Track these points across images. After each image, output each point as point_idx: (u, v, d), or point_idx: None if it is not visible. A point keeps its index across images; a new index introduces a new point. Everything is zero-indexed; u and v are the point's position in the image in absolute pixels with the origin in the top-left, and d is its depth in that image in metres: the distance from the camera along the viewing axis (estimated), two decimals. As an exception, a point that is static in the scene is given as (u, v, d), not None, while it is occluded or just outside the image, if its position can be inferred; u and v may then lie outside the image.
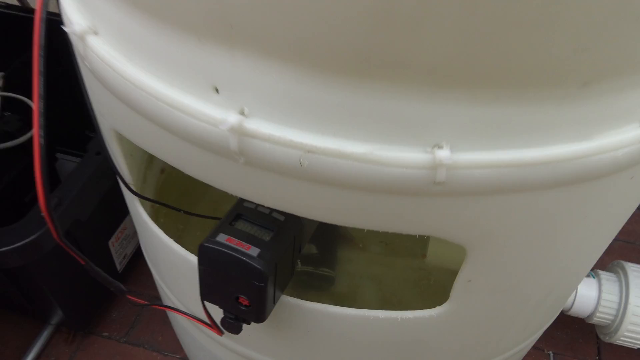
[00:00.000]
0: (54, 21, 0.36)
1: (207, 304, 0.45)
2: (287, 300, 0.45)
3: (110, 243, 0.83)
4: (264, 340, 0.52)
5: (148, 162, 0.74)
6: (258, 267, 0.38)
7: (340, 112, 0.30)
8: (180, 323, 0.67)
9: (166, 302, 0.65)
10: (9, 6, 0.90)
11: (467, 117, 0.29)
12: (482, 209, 0.33)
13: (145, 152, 0.73)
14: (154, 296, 0.93)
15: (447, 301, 0.43)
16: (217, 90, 0.32)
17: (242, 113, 0.31)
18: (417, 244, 0.86)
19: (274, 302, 0.42)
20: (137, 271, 0.96)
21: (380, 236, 0.87)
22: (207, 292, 0.42)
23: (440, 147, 0.30)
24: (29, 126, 0.85)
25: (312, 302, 0.45)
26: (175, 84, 0.33)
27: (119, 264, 0.88)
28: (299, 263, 0.79)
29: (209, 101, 0.32)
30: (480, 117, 0.29)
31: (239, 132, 0.31)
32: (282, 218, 0.42)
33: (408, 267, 0.87)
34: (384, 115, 0.29)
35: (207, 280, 0.41)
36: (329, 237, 0.86)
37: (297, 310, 0.46)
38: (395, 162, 0.30)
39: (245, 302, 0.40)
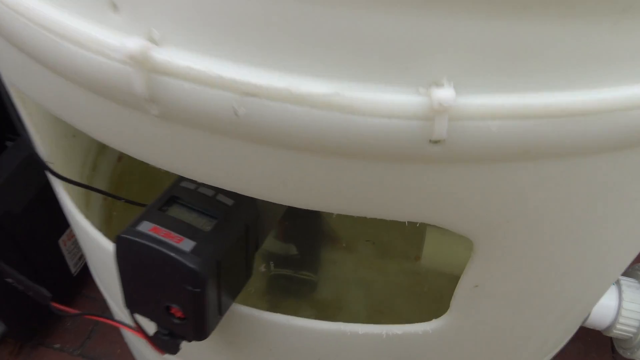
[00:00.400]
0: None
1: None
2: (240, 311, 0.35)
3: (61, 242, 0.73)
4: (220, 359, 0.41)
5: (100, 147, 0.64)
6: (191, 266, 0.28)
7: (292, 33, 0.20)
8: (127, 335, 0.57)
9: (113, 310, 0.55)
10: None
11: (480, 39, 0.19)
12: (498, 182, 0.23)
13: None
14: (116, 303, 0.83)
15: (447, 312, 0.34)
16: (115, 7, 0.22)
17: (149, 38, 0.21)
18: (410, 244, 0.76)
19: (220, 313, 0.32)
20: (98, 274, 0.85)
21: (367, 234, 0.77)
22: (132, 300, 0.32)
23: (439, 85, 0.20)
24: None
25: (272, 314, 0.35)
26: (65, 5, 0.23)
27: (74, 266, 0.77)
28: (272, 265, 0.69)
29: (105, 24, 0.22)
30: (500, 39, 0.19)
31: (145, 64, 0.21)
32: (230, 202, 0.32)
33: (400, 271, 0.77)
34: (356, 37, 0.20)
35: (130, 284, 0.31)
36: (311, 235, 0.77)
37: (254, 324, 0.36)
38: (373, 108, 0.20)
39: (179, 314, 0.30)
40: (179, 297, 0.29)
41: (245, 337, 0.37)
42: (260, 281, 0.71)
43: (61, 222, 0.72)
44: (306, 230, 0.77)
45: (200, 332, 0.31)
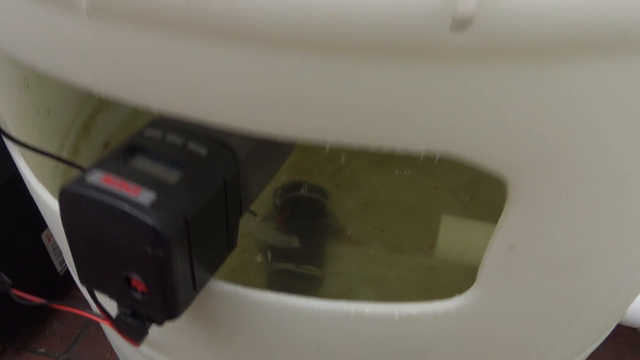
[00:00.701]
0: None
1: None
2: (222, 289, 0.29)
3: (44, 237, 0.67)
4: (196, 352, 0.35)
5: (82, 129, 0.59)
6: (149, 222, 0.22)
7: None
8: (112, 337, 0.51)
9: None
10: None
11: None
12: (548, 88, 0.17)
13: (74, 114, 0.58)
14: (107, 304, 0.77)
15: (472, 286, 0.27)
16: None
17: None
18: (422, 233, 0.70)
19: (195, 288, 0.26)
20: (88, 274, 0.80)
21: (376, 221, 0.71)
22: (87, 273, 0.26)
23: None
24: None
25: (261, 292, 0.29)
26: None
27: (60, 264, 0.72)
28: (269, 255, 0.63)
29: None
30: None
31: None
32: (203, 152, 0.26)
33: (412, 266, 0.71)
34: None
35: (81, 252, 0.25)
36: (314, 226, 0.70)
37: (240, 305, 0.30)
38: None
39: (141, 287, 0.25)
40: (139, 264, 0.23)
41: (229, 321, 0.31)
42: (259, 276, 0.65)
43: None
44: (309, 220, 0.71)
45: (168, 310, 0.25)
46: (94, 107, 0.59)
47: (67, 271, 0.74)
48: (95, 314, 0.37)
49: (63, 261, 0.72)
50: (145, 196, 0.23)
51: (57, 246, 0.70)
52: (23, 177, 0.38)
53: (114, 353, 0.71)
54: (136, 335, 0.28)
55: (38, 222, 0.66)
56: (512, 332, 0.30)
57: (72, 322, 0.75)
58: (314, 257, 0.68)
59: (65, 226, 0.24)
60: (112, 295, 0.26)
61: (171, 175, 0.25)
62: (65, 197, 0.23)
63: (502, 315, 0.29)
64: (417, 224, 0.71)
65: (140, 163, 0.25)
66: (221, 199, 0.26)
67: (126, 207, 0.22)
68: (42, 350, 0.72)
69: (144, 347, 0.40)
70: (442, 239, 0.62)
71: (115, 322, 0.28)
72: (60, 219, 0.24)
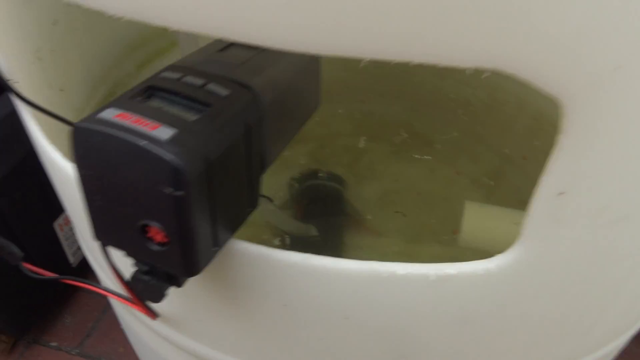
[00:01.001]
0: None
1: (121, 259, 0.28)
2: (244, 249, 0.27)
3: (57, 225, 0.66)
4: (216, 327, 0.33)
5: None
6: (168, 157, 0.20)
7: None
8: (131, 328, 0.49)
9: (100, 278, 0.47)
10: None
11: None
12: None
13: (88, 95, 0.56)
14: (120, 298, 0.75)
15: (516, 242, 0.25)
16: None
17: None
18: (444, 221, 0.67)
19: (216, 244, 0.24)
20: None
21: (396, 204, 0.69)
22: (100, 224, 0.24)
23: None
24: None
25: (286, 252, 0.27)
26: None
27: (72, 255, 0.70)
28: (287, 243, 0.61)
29: None
30: None
31: None
32: (224, 92, 0.24)
33: (434, 255, 0.68)
34: None
35: (95, 198, 0.23)
36: (333, 215, 0.68)
37: (264, 267, 0.28)
38: None
39: (160, 236, 0.23)
40: (156, 209, 0.22)
41: (253, 287, 0.29)
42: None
43: (56, 202, 0.65)
44: (327, 208, 0.69)
45: (188, 262, 0.23)
46: (108, 89, 0.58)
47: (80, 263, 0.73)
48: (107, 289, 0.35)
49: (75, 252, 0.71)
50: (164, 132, 0.21)
51: (70, 236, 0.69)
52: (35, 145, 0.36)
53: (127, 347, 0.70)
54: (153, 295, 0.26)
55: (50, 210, 0.65)
56: (556, 298, 0.28)
57: (84, 316, 0.74)
58: (332, 246, 0.66)
59: (79, 170, 0.22)
60: (128, 251, 0.25)
61: (190, 114, 0.23)
62: (79, 135, 0.22)
63: (547, 276, 0.26)
64: (439, 212, 0.69)
65: (158, 102, 0.23)
66: (243, 144, 0.24)
67: (143, 143, 0.20)
68: (54, 344, 0.70)
69: (160, 326, 0.38)
70: (465, 226, 0.60)
71: (131, 283, 0.26)
72: (74, 161, 0.22)
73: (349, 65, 0.77)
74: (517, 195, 0.71)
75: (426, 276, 0.26)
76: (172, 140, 0.21)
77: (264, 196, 0.29)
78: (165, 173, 0.20)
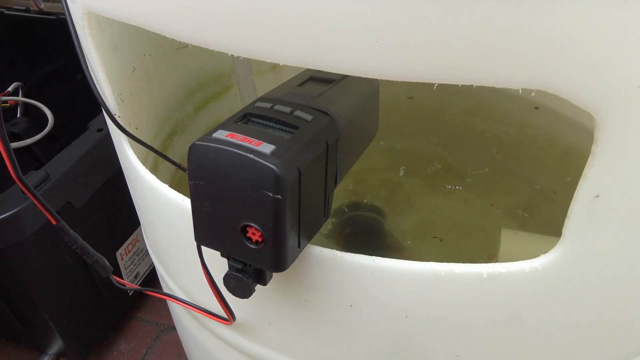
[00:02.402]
0: None
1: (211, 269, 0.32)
2: (318, 252, 0.31)
3: (118, 255, 0.71)
4: (284, 329, 0.37)
5: (160, 148, 0.64)
6: (272, 166, 0.25)
7: None
8: (184, 327, 0.53)
9: (170, 302, 0.52)
10: (28, 10, 0.86)
11: None
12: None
13: (154, 134, 0.63)
14: (170, 326, 0.80)
15: (559, 242, 0.29)
16: None
17: None
18: (480, 250, 0.71)
19: (299, 245, 0.29)
20: (153, 297, 0.83)
21: (433, 233, 0.72)
22: (203, 228, 0.29)
23: None
24: (38, 130, 0.78)
25: (355, 255, 0.31)
26: None
27: (130, 281, 0.75)
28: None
29: None
30: None
31: None
32: (309, 117, 0.29)
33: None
34: None
35: (202, 205, 0.28)
36: (374, 245, 0.72)
37: (334, 269, 0.32)
38: None
39: (257, 236, 0.27)
40: (257, 211, 0.26)
41: (322, 287, 0.33)
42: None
43: (120, 233, 0.71)
44: (368, 238, 0.73)
45: (278, 259, 0.28)
46: (171, 128, 0.64)
47: (135, 292, 0.78)
48: (184, 300, 0.40)
49: (133, 281, 0.76)
50: (266, 147, 0.26)
51: (129, 266, 0.74)
52: (128, 169, 0.42)
53: (179, 371, 0.73)
54: (244, 292, 0.30)
55: (114, 238, 0.70)
56: (596, 296, 0.31)
57: (138, 342, 0.78)
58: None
59: (191, 180, 0.28)
60: (224, 250, 0.29)
61: (283, 134, 0.28)
62: (195, 150, 0.27)
63: (586, 274, 0.30)
64: (475, 240, 0.72)
65: (255, 126, 0.29)
66: (324, 159, 0.29)
67: (251, 155, 0.25)
68: (111, 368, 0.74)
69: (230, 334, 0.42)
70: (502, 251, 0.63)
71: (224, 280, 0.30)
72: (188, 175, 0.28)
73: (385, 105, 0.83)
74: (550, 225, 0.74)
75: (480, 274, 0.30)
76: (273, 154, 0.26)
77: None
78: (268, 179, 0.25)
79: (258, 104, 0.30)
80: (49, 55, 0.91)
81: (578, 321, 0.33)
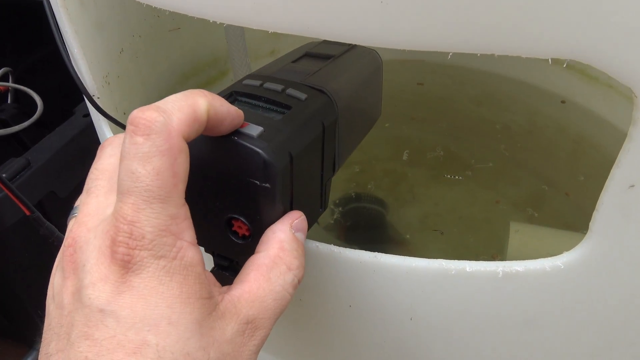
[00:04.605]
0: None
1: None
2: (315, 248, 0.28)
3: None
4: (276, 330, 0.34)
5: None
6: (258, 150, 0.22)
7: None
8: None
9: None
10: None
11: None
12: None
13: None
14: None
15: (585, 238, 0.26)
16: None
17: None
18: (487, 245, 0.67)
19: (292, 239, 0.26)
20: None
21: (437, 226, 0.69)
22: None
23: None
24: (27, 117, 0.75)
25: (355, 250, 0.28)
26: None
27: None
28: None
29: None
30: None
31: None
32: (302, 96, 0.26)
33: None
34: None
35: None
36: (375, 237, 0.69)
37: (333, 265, 0.29)
38: None
39: (243, 229, 0.24)
40: (243, 202, 0.23)
41: (321, 284, 0.30)
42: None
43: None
44: (370, 231, 0.70)
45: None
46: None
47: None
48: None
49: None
50: (253, 129, 0.23)
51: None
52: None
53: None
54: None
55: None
56: (626, 297, 0.28)
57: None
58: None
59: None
60: (210, 246, 0.26)
61: (273, 115, 0.25)
62: (174, 133, 0.23)
63: (616, 273, 0.27)
64: (482, 234, 0.69)
65: (242, 106, 0.25)
66: (320, 143, 0.26)
67: (235, 138, 0.22)
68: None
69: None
70: (511, 245, 0.60)
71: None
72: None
73: (388, 92, 0.79)
74: (560, 218, 0.71)
75: (494, 273, 0.27)
76: (261, 136, 0.22)
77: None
78: (255, 165, 0.22)
79: (246, 82, 0.27)
80: (41, 40, 0.88)
81: (603, 325, 0.29)
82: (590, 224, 0.25)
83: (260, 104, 0.25)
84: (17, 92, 0.84)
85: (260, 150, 0.22)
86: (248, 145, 0.22)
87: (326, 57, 0.30)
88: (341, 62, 0.30)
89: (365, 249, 0.65)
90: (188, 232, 0.20)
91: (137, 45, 0.54)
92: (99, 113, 0.36)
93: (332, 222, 0.70)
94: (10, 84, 0.83)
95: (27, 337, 0.69)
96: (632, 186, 0.23)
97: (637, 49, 0.19)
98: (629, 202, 0.24)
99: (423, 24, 0.19)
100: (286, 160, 0.23)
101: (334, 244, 0.63)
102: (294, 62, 0.30)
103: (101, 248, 0.19)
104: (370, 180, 0.77)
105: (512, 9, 0.18)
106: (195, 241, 0.21)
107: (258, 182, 0.22)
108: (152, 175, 0.19)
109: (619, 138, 0.24)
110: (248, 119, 0.23)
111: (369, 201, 0.72)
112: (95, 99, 0.36)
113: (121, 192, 0.19)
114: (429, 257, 0.65)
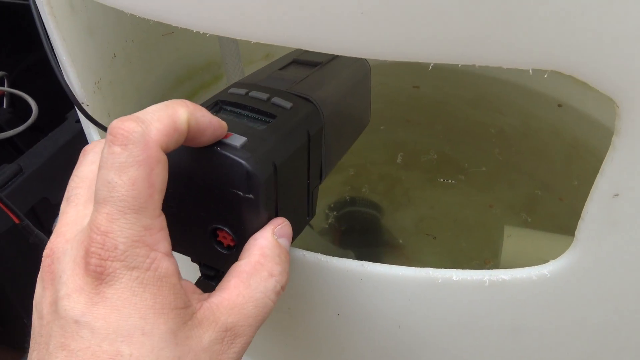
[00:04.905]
0: None
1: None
2: (302, 257, 0.28)
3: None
4: (263, 338, 0.34)
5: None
6: (241, 161, 0.22)
7: None
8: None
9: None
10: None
11: None
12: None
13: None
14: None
15: (571, 246, 0.26)
16: None
17: None
18: (482, 241, 0.67)
19: (278, 248, 0.26)
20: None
21: (433, 230, 0.69)
22: (171, 231, 0.26)
23: None
24: (22, 121, 0.74)
25: (342, 259, 0.28)
26: None
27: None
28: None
29: None
30: None
31: None
32: (288, 105, 0.26)
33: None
34: None
35: (167, 204, 0.25)
36: (370, 241, 0.69)
37: (320, 274, 0.29)
38: None
39: (228, 240, 0.24)
40: (227, 212, 0.23)
41: (308, 293, 0.30)
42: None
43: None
44: (365, 235, 0.69)
45: (253, 265, 0.24)
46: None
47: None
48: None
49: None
50: (237, 139, 0.23)
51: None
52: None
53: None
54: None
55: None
56: (614, 305, 0.28)
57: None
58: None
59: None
60: (195, 255, 0.26)
61: (258, 124, 0.25)
62: (157, 144, 0.23)
63: (603, 281, 0.26)
64: (477, 238, 0.68)
65: (227, 115, 0.25)
66: (305, 152, 0.26)
67: (218, 148, 0.22)
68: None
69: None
70: (505, 249, 0.59)
71: (197, 284, 0.27)
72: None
73: (383, 97, 0.79)
74: (554, 221, 0.71)
75: (481, 282, 0.27)
76: (244, 147, 0.22)
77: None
78: (238, 176, 0.22)
79: (231, 90, 0.27)
80: (37, 44, 0.88)
81: (590, 333, 0.29)
82: (576, 232, 0.25)
83: (246, 113, 0.25)
84: (13, 97, 0.84)
85: (243, 161, 0.22)
86: (231, 156, 0.22)
87: (313, 65, 0.30)
88: (328, 70, 0.30)
89: (360, 253, 0.65)
90: (163, 243, 0.20)
91: (130, 50, 0.54)
92: (88, 120, 0.35)
93: (327, 226, 0.70)
94: (6, 88, 0.83)
95: (20, 343, 0.69)
96: (617, 195, 0.23)
97: (618, 58, 0.19)
98: (614, 210, 0.24)
99: (403, 35, 0.19)
100: (270, 170, 0.23)
101: (329, 249, 0.63)
102: (281, 69, 0.30)
103: (76, 259, 0.19)
104: (365, 183, 0.77)
105: (491, 20, 0.18)
106: (171, 252, 0.21)
107: (241, 193, 0.22)
108: (128, 186, 0.19)
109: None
110: (232, 128, 0.23)
111: (364, 205, 0.72)
112: (84, 106, 0.36)
113: (97, 202, 0.19)
114: (423, 261, 0.65)
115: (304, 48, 0.20)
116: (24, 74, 0.90)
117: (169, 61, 0.62)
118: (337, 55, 0.32)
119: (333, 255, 0.60)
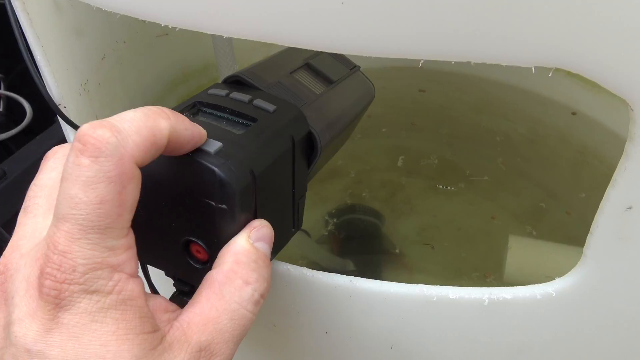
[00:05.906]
0: None
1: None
2: (286, 271, 0.26)
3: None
4: (247, 357, 0.32)
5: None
6: (214, 168, 0.20)
7: None
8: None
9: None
10: None
11: None
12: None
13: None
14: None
15: (579, 263, 0.23)
16: None
17: None
18: (487, 251, 0.65)
19: (258, 262, 0.24)
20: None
21: (435, 239, 0.67)
22: (143, 242, 0.24)
23: None
24: (16, 124, 0.73)
25: (329, 274, 0.26)
26: None
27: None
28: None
29: None
30: None
31: None
32: (271, 107, 0.24)
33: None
34: None
35: (138, 214, 0.23)
36: (370, 250, 0.67)
37: (305, 290, 0.27)
38: None
39: (202, 254, 0.22)
40: (200, 224, 0.21)
41: (293, 310, 0.27)
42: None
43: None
44: (365, 243, 0.67)
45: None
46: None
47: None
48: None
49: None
50: (211, 144, 0.21)
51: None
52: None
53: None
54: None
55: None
56: (624, 325, 0.26)
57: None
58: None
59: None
60: (169, 269, 0.24)
61: (237, 129, 0.23)
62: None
63: (613, 300, 0.24)
64: (481, 248, 0.66)
65: (205, 117, 0.23)
66: (289, 159, 0.24)
67: (190, 154, 0.20)
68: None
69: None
70: (510, 260, 0.57)
71: (172, 299, 0.25)
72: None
73: (386, 102, 0.77)
74: (562, 230, 0.69)
75: (480, 301, 0.24)
76: (219, 153, 0.20)
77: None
78: (210, 184, 0.20)
79: (212, 91, 0.25)
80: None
81: (598, 356, 0.27)
82: (585, 248, 0.23)
83: (225, 115, 0.23)
84: (9, 100, 0.83)
85: (215, 168, 0.20)
86: (203, 162, 0.20)
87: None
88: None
89: (360, 262, 0.62)
90: (129, 264, 0.18)
91: (121, 52, 0.52)
92: (66, 123, 0.34)
93: (326, 234, 0.68)
94: (2, 91, 0.82)
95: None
96: (630, 208, 0.21)
97: (633, 54, 0.16)
98: (627, 224, 0.21)
99: (388, 28, 0.17)
100: (247, 178, 0.21)
101: (327, 257, 0.60)
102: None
103: (30, 279, 0.18)
104: (366, 189, 0.75)
105: (489, 11, 0.16)
106: (137, 272, 0.19)
107: (214, 203, 0.20)
108: (94, 204, 0.17)
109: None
110: (208, 133, 0.21)
111: (364, 212, 0.70)
112: (61, 107, 0.34)
113: (57, 217, 0.17)
114: (424, 271, 0.62)
115: (289, 45, 0.18)
116: (20, 76, 0.89)
117: (163, 63, 0.61)
118: (349, 74, 0.31)
119: (331, 264, 0.58)
